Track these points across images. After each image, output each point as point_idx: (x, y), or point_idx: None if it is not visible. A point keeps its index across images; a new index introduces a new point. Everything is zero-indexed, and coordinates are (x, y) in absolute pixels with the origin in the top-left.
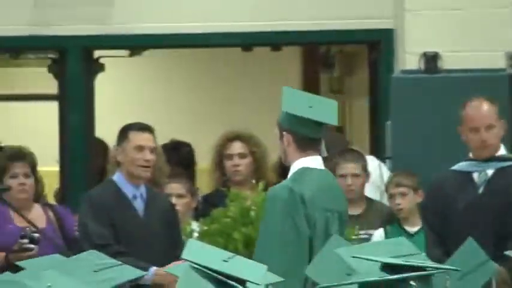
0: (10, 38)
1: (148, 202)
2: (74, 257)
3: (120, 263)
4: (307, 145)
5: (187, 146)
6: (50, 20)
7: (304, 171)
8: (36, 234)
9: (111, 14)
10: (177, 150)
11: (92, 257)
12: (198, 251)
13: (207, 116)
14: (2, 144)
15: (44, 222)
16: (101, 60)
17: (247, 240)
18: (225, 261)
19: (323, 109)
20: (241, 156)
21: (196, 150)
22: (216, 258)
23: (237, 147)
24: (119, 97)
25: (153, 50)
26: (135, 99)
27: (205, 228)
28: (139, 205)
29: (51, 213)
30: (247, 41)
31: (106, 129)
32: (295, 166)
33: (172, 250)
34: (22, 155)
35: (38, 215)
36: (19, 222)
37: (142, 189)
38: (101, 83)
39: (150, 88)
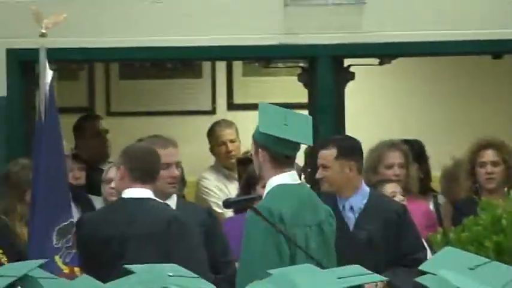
0: (260, 47)
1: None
2: None
3: None
4: (283, 162)
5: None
6: (299, 29)
7: (280, 188)
8: None
9: (360, 22)
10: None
11: None
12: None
13: (455, 127)
14: None
15: None
16: (351, 69)
17: (499, 249)
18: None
19: (298, 127)
20: (494, 164)
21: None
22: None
23: (490, 155)
24: (368, 107)
25: (402, 59)
26: (385, 109)
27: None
28: None
29: None
30: (496, 49)
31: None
32: (271, 183)
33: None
34: None
35: None
36: None
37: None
38: (351, 92)
39: (401, 98)
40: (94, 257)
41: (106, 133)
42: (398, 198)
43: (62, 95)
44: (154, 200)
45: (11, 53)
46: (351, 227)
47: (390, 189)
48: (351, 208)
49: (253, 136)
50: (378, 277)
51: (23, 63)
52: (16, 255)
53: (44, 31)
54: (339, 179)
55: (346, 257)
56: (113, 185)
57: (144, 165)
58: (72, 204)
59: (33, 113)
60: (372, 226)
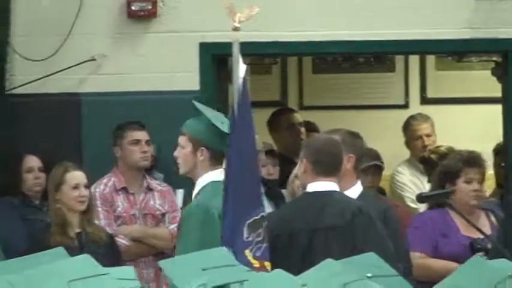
0: (453, 41)
1: None
2: None
3: None
4: (219, 160)
5: None
6: (492, 23)
7: (213, 185)
8: (487, 243)
9: None
10: None
11: None
12: None
13: None
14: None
15: (488, 229)
16: None
17: None
18: None
19: (226, 124)
20: None
21: None
22: None
23: None
24: None
25: None
26: None
27: None
28: None
29: (493, 219)
30: None
31: None
32: (205, 180)
33: None
34: (477, 159)
35: (483, 221)
36: (465, 230)
37: None
38: None
39: None
40: (283, 251)
41: (301, 126)
42: None
43: (255, 89)
44: (338, 192)
45: (204, 47)
46: None
47: None
48: None
49: (192, 135)
50: None
51: (216, 58)
52: None
53: (237, 25)
54: None
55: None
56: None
57: (326, 157)
58: (265, 199)
59: (225, 107)
60: None
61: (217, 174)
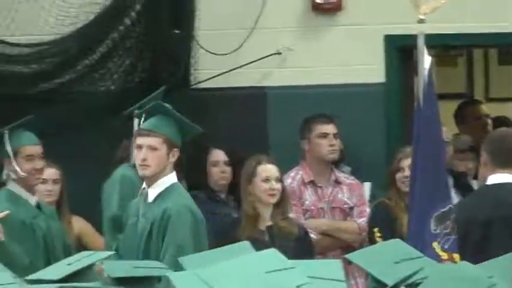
0: None
1: None
2: None
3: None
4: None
5: None
6: None
7: (178, 186)
8: None
9: None
10: None
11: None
12: None
13: None
14: None
15: None
16: None
17: None
18: None
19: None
20: None
21: None
22: None
23: None
24: None
25: None
26: None
27: None
28: None
29: None
30: None
31: None
32: (168, 181)
33: None
34: None
35: None
36: None
37: None
38: None
39: None
40: (467, 242)
41: (487, 118)
42: None
43: (441, 81)
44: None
45: (389, 39)
46: None
47: None
48: None
49: (168, 137)
50: None
51: (401, 49)
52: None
53: (422, 17)
54: None
55: None
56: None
57: (505, 150)
58: (453, 191)
59: (411, 99)
60: None
61: (174, 175)
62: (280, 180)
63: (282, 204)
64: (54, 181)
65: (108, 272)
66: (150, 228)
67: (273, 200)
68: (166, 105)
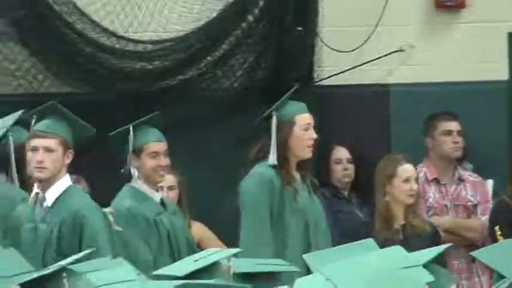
0: None
1: None
2: None
3: None
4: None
5: None
6: None
7: (75, 188)
8: None
9: None
10: None
11: None
12: None
13: None
14: None
15: None
16: None
17: None
18: None
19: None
20: None
21: None
22: None
23: None
24: None
25: None
26: None
27: None
28: None
29: None
30: None
31: None
32: (64, 183)
33: None
34: None
35: None
36: None
37: None
38: None
39: None
40: None
41: None
42: None
43: None
44: None
45: None
46: None
47: None
48: None
49: (64, 138)
50: None
51: None
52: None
53: None
54: None
55: None
56: None
57: None
58: None
59: None
60: None
61: (69, 177)
62: (416, 180)
63: (414, 202)
64: (170, 187)
65: (236, 269)
66: (59, 230)
67: (412, 200)
68: (60, 105)
